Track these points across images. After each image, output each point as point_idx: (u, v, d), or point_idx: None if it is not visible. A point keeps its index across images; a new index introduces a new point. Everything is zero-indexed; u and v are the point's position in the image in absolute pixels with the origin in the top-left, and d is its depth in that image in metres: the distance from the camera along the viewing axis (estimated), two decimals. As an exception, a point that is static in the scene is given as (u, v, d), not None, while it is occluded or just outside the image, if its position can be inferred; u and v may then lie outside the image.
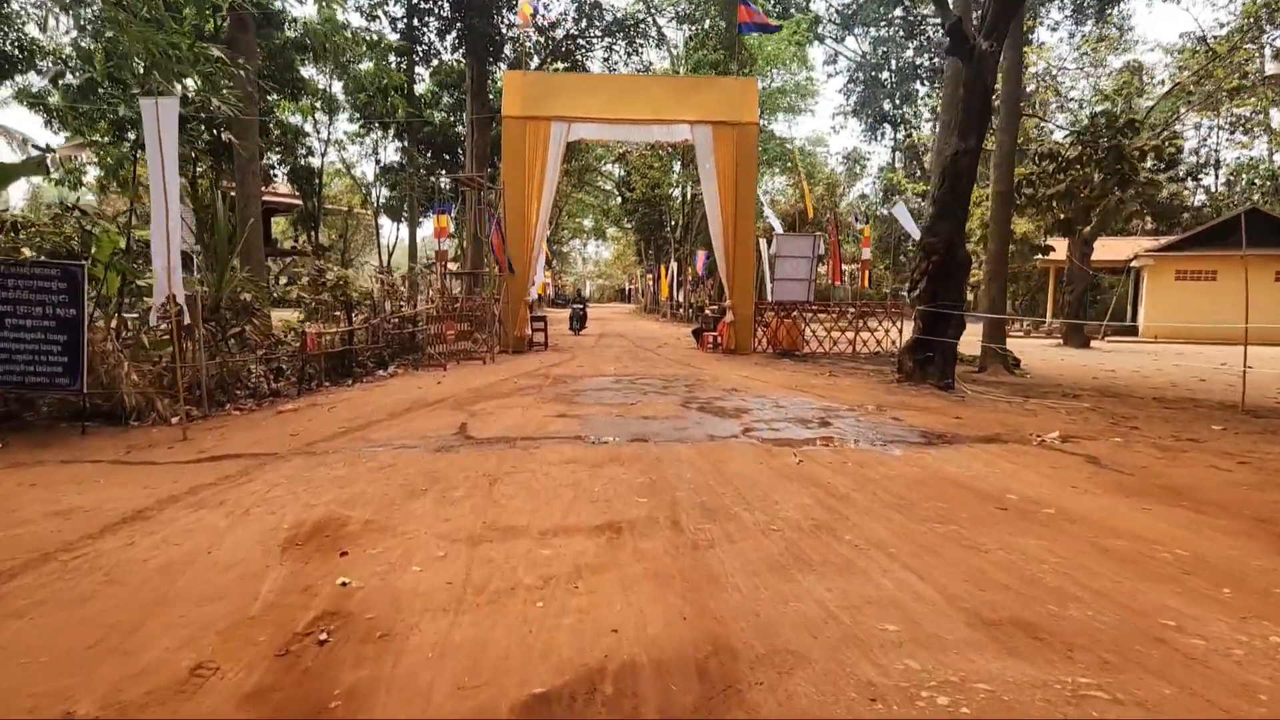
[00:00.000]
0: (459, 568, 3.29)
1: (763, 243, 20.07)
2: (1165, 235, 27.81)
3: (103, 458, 5.62)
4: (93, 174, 18.49)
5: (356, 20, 26.56)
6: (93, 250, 7.42)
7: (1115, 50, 37.19)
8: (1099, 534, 3.90)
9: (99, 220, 7.52)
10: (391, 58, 26.79)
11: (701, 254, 29.29)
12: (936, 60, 40.29)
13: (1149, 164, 16.72)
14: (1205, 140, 41.28)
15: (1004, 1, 9.71)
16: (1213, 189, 41.14)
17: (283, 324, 11.07)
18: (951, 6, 11.30)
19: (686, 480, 4.88)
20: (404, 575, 3.20)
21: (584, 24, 27.16)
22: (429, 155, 30.41)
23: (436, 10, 24.62)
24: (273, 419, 7.36)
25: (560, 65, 26.85)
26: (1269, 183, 38.73)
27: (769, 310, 16.31)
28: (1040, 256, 17.41)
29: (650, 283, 47.07)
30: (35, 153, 7.34)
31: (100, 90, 16.52)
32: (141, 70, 7.34)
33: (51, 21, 9.21)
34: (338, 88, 28.35)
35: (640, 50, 28.77)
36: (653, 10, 30.45)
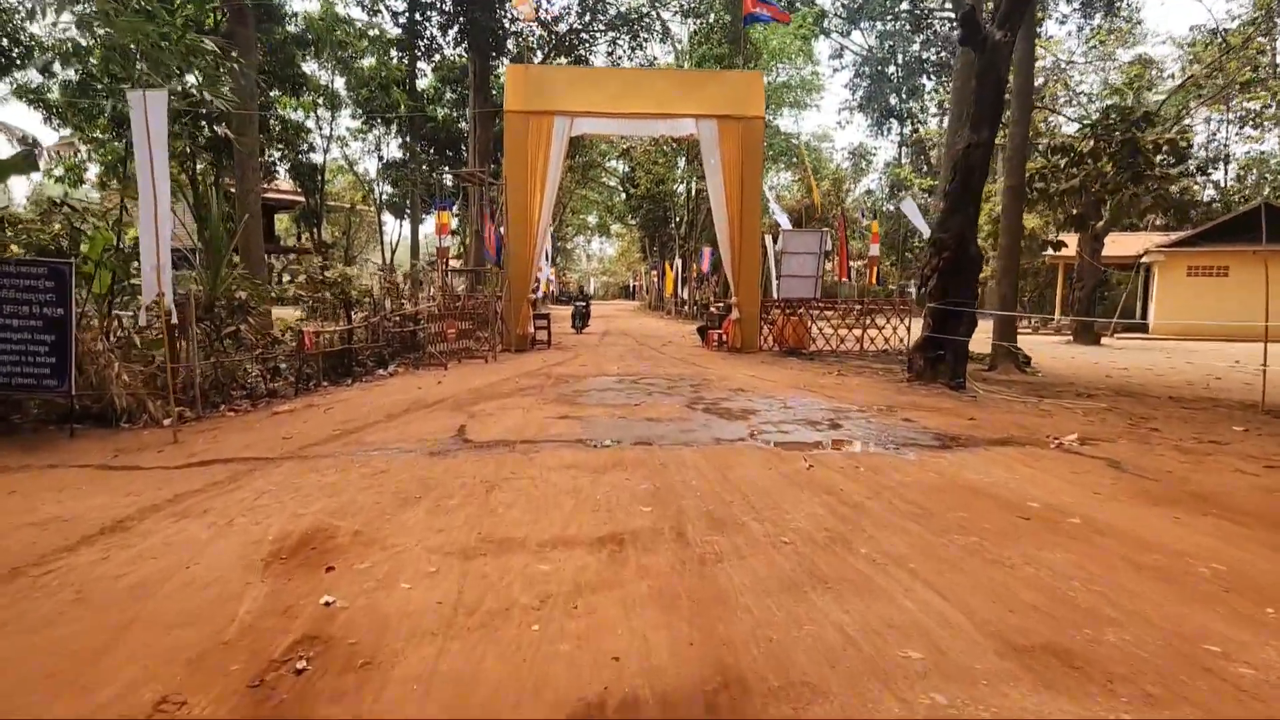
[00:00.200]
0: (450, 585, 3.09)
1: (768, 239, 19.83)
2: (1175, 231, 27.44)
3: (89, 462, 5.44)
4: (93, 171, 18.41)
5: (358, 15, 26.35)
6: (84, 248, 7.25)
7: (1124, 43, 36.80)
8: (1129, 547, 3.69)
9: (88, 217, 7.32)
10: (393, 52, 26.66)
11: (707, 250, 29.04)
12: (944, 54, 39.97)
13: (1160, 158, 16.43)
14: (1215, 135, 40.88)
15: (1018, -10, 9.45)
16: (1222, 184, 40.72)
17: (280, 322, 10.89)
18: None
19: (692, 487, 4.67)
20: (392, 593, 3.00)
21: (587, 18, 26.91)
22: (431, 151, 30.22)
23: (438, 4, 24.41)
24: (267, 420, 7.18)
25: (563, 60, 26.62)
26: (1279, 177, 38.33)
27: (775, 307, 16.08)
28: (1052, 252, 17.13)
29: (654, 279, 46.83)
30: (24, 149, 7.14)
31: (99, 86, 16.37)
32: (136, 63, 7.15)
33: (42, 14, 8.99)
34: (340, 83, 28.18)
35: (644, 45, 28.53)
36: (657, 4, 30.17)
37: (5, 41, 15.58)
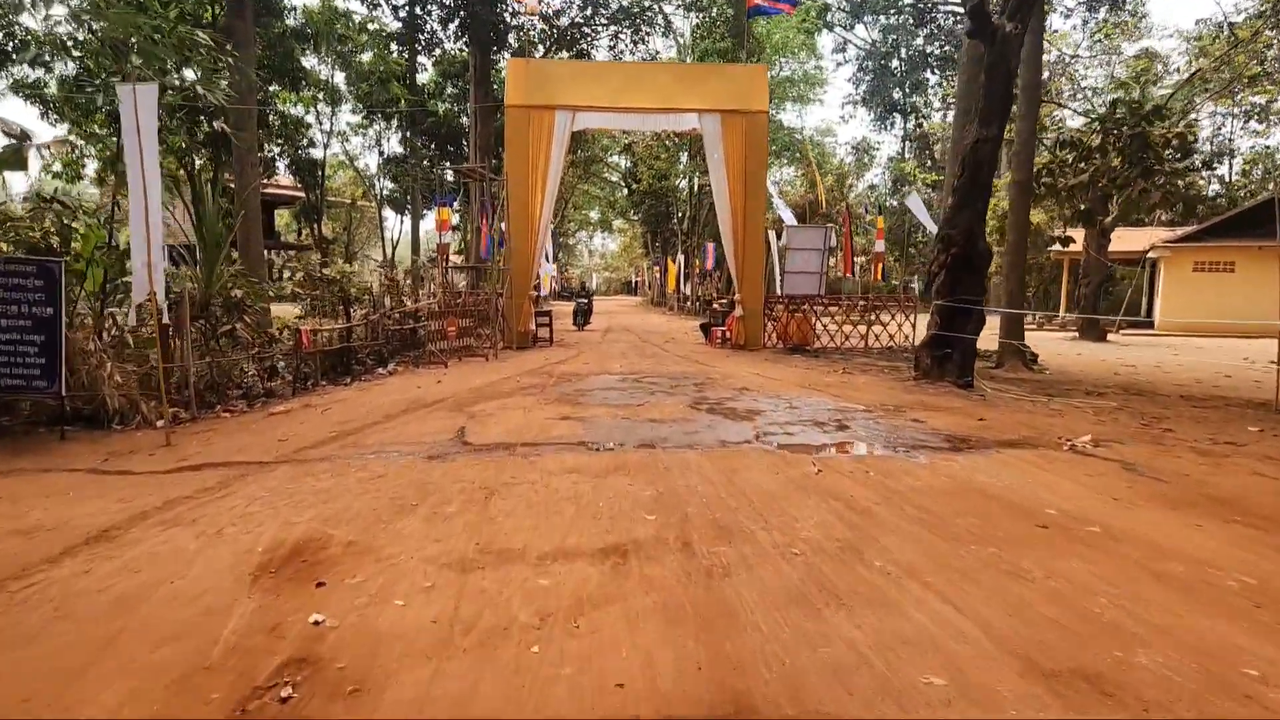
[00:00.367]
0: (447, 601, 2.96)
1: (771, 234, 19.65)
2: (1181, 226, 27.19)
3: (78, 466, 5.32)
4: (92, 167, 18.27)
5: (357, 8, 26.16)
6: (76, 245, 7.12)
7: (1130, 37, 36.47)
8: (1151, 556, 3.55)
9: (79, 214, 7.18)
10: (393, 46, 26.46)
11: (710, 246, 28.84)
12: (947, 48, 39.70)
13: (1167, 153, 16.22)
14: (1220, 129, 40.56)
15: (1027, -19, 9.28)
16: (1227, 179, 40.41)
17: (279, 320, 10.76)
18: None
19: (698, 493, 4.53)
20: (384, 610, 2.87)
21: (589, 11, 26.69)
22: (432, 147, 30.01)
23: (439, -2, 24.24)
24: (263, 422, 7.05)
25: (565, 54, 26.41)
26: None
27: (779, 304, 15.91)
28: (1060, 248, 16.93)
29: (657, 275, 46.62)
30: (11, 145, 6.99)
31: (96, 82, 16.22)
32: (124, 56, 7.00)
33: (34, 6, 8.83)
34: (340, 78, 27.99)
35: (646, 39, 28.30)
36: (659, -3, 29.92)
37: (0, 36, 15.43)
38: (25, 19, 15.03)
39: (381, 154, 32.84)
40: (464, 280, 18.86)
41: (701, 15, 30.22)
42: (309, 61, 24.66)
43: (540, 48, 26.26)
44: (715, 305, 17.92)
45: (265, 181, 23.74)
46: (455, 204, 23.06)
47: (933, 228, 16.31)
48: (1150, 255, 25.68)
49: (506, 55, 24.10)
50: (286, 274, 26.99)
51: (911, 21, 41.27)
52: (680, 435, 6.30)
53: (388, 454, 5.55)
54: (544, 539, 3.69)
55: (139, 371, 6.92)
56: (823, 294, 16.48)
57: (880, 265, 19.88)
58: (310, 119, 26.63)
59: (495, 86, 24.72)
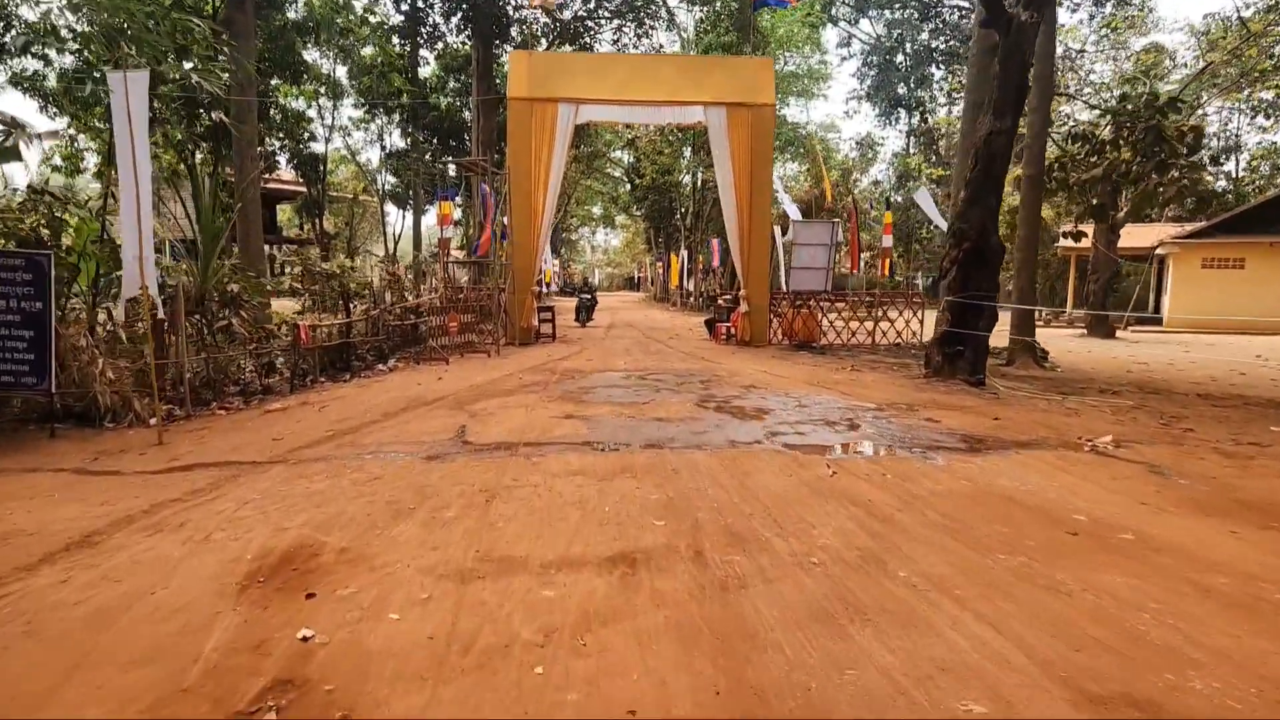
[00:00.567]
0: (444, 615, 2.77)
1: (777, 230, 19.42)
2: (1190, 222, 26.90)
3: (65, 465, 5.14)
4: (92, 160, 18.08)
5: (359, 0, 25.88)
6: (68, 238, 6.93)
7: (1138, 31, 36.11)
8: (1193, 567, 3.35)
9: (70, 206, 6.99)
10: (395, 40, 26.23)
11: (715, 242, 28.59)
12: (953, 43, 39.33)
13: (1181, 147, 15.94)
14: (1227, 124, 40.19)
15: (1043, -30, 9.04)
16: (1234, 174, 40.05)
17: (278, 315, 10.57)
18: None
19: (708, 496, 4.34)
20: (378, 626, 2.68)
21: (592, 4, 26.42)
22: (434, 141, 29.79)
23: (441, -10, 23.99)
24: (259, 419, 6.86)
25: (568, 47, 26.15)
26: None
27: (784, 300, 15.70)
28: (1072, 243, 16.67)
29: (660, 271, 46.36)
30: (5, 131, 6.80)
31: (95, 74, 16.00)
32: (116, 43, 6.81)
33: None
34: (342, 72, 27.79)
35: (650, 33, 28.02)
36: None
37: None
38: (23, 10, 14.81)
39: (383, 148, 32.66)
40: (466, 275, 18.66)
41: (706, 9, 29.95)
42: (310, 55, 24.47)
43: (543, 41, 26.00)
44: (720, 301, 17.70)
45: (266, 176, 23.57)
46: (457, 198, 22.84)
47: (942, 223, 16.08)
48: (1159, 251, 25.40)
49: (509, 48, 23.84)
50: (287, 269, 26.79)
51: (917, 16, 40.90)
52: (688, 435, 6.10)
53: (385, 454, 5.36)
54: (547, 547, 3.50)
55: (132, 368, 6.73)
56: (829, 290, 16.25)
57: (888, 261, 19.62)
58: (312, 113, 26.44)
59: (498, 81, 24.49)
